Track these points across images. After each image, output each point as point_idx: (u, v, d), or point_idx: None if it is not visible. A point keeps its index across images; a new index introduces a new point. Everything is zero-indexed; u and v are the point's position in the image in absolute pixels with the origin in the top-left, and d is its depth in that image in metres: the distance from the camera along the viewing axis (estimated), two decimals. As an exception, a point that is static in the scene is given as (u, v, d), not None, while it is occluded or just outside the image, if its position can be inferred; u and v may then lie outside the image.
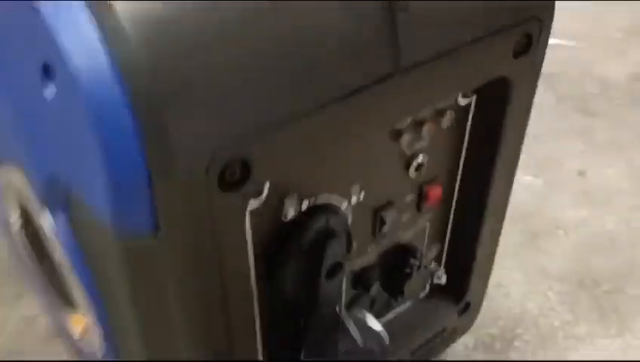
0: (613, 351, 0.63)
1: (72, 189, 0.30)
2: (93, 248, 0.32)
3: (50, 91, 0.26)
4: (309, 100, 0.28)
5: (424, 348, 0.52)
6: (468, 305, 0.52)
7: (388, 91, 0.31)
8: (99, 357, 0.40)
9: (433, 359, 0.58)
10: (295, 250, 0.34)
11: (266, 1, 0.26)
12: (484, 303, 0.67)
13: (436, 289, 0.50)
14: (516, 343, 0.64)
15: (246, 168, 0.28)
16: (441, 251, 0.48)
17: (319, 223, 0.35)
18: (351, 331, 0.39)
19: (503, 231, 0.75)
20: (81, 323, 0.41)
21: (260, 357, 0.39)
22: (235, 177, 0.28)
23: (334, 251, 0.35)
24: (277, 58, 0.26)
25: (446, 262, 0.49)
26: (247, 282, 0.35)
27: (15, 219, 0.40)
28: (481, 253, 0.48)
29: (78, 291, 0.37)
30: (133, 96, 0.25)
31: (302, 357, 0.38)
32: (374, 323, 0.40)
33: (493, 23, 0.34)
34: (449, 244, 0.48)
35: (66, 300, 0.41)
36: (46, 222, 0.34)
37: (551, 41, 1.13)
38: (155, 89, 0.25)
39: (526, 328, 0.65)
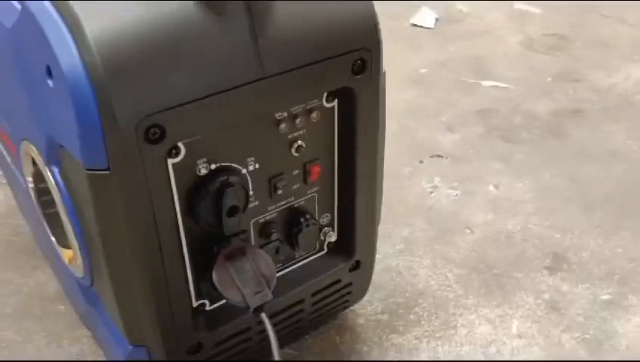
0: (492, 318, 0.80)
1: (62, 144, 0.49)
2: (74, 187, 0.52)
3: (51, 82, 0.47)
4: (199, 90, 0.47)
5: (327, 295, 0.69)
6: (358, 263, 0.69)
7: (260, 90, 0.51)
8: (79, 275, 0.59)
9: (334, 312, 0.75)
10: (206, 194, 0.53)
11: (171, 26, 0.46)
12: (396, 279, 0.85)
13: (332, 250, 0.68)
14: (416, 309, 0.81)
15: (162, 131, 0.47)
16: (333, 218, 0.67)
17: (222, 177, 0.54)
18: (249, 259, 0.57)
19: (419, 228, 0.94)
20: (70, 255, 0.60)
21: (189, 276, 0.57)
22: (156, 136, 0.47)
23: (232, 197, 0.54)
24: (175, 60, 0.46)
25: (337, 227, 0.67)
26: (174, 216, 0.53)
27: (30, 181, 0.60)
28: (360, 220, 0.66)
29: (69, 228, 0.56)
30: (95, 86, 0.44)
31: (213, 277, 0.56)
32: (267, 258, 0.59)
33: (333, 49, 0.53)
34: (337, 213, 0.66)
35: (62, 240, 0.60)
36: (49, 176, 0.54)
37: (488, 83, 1.35)
38: (105, 82, 0.45)
39: (425, 299, 0.83)
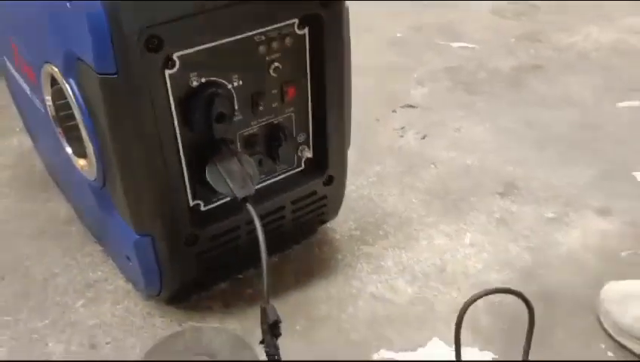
0: (449, 232, 0.91)
1: (78, 57, 0.60)
2: (89, 94, 0.63)
3: (69, 4, 0.58)
4: (189, 8, 0.59)
5: (305, 205, 0.81)
6: (331, 178, 0.81)
7: (242, 9, 0.62)
8: (92, 178, 0.70)
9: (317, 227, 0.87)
10: (197, 102, 0.65)
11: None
12: (368, 204, 0.97)
13: (308, 165, 0.80)
14: (384, 226, 0.93)
15: (160, 40, 0.58)
16: (308, 138, 0.78)
17: (211, 88, 0.65)
18: (235, 161, 0.68)
19: (390, 165, 1.05)
20: (83, 163, 0.71)
21: (186, 178, 0.69)
22: (155, 44, 0.58)
23: (220, 104, 0.66)
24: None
25: (313, 146, 0.79)
26: (172, 122, 0.65)
27: (48, 99, 0.71)
28: (331, 138, 0.77)
29: (84, 135, 0.67)
30: (105, 3, 0.56)
31: (207, 173, 0.67)
32: (251, 161, 0.70)
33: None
34: (312, 133, 0.78)
35: (77, 150, 0.71)
36: (67, 88, 0.65)
37: (457, 44, 1.47)
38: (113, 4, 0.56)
39: (392, 218, 0.94)
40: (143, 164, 0.64)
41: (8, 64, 0.86)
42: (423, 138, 1.13)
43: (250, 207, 0.67)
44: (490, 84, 1.29)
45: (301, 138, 0.78)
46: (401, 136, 1.13)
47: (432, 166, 1.06)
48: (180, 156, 0.67)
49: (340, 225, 0.93)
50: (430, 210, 0.96)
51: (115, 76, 0.58)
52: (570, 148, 1.09)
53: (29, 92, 0.80)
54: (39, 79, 0.72)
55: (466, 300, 0.60)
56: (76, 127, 0.68)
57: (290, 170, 0.79)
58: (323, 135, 0.78)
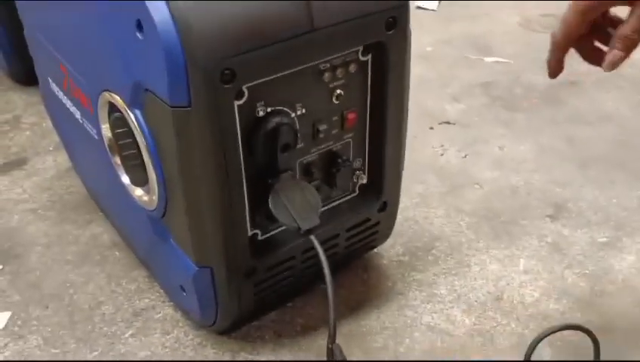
0: (501, 257, 0.89)
1: (147, 88, 0.59)
2: (157, 125, 0.61)
3: (140, 35, 0.56)
4: (263, 40, 0.57)
5: (359, 231, 0.79)
6: (385, 204, 0.79)
7: (310, 41, 0.60)
8: (151, 208, 0.68)
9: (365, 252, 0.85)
10: (263, 132, 0.63)
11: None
12: (414, 227, 0.95)
13: (362, 191, 0.78)
14: (433, 251, 0.91)
15: (233, 73, 0.57)
16: (364, 163, 0.76)
17: (276, 118, 0.63)
18: (298, 190, 0.67)
19: (433, 185, 1.03)
20: (141, 192, 0.69)
21: (247, 208, 0.67)
22: (228, 77, 0.57)
23: (285, 135, 0.64)
24: (245, 15, 0.55)
25: (368, 171, 0.77)
26: (238, 152, 0.63)
27: (105, 127, 0.69)
28: (388, 163, 0.75)
29: (149, 165, 0.65)
30: (182, 36, 0.54)
31: (270, 203, 0.66)
32: (313, 190, 0.68)
33: (370, 6, 0.63)
34: (368, 158, 0.76)
35: (135, 179, 0.69)
36: (132, 118, 0.63)
37: (489, 58, 1.45)
38: (191, 32, 0.54)
39: (441, 243, 0.92)
40: (210, 196, 0.63)
41: (53, 86, 0.84)
42: (465, 156, 1.11)
43: (314, 239, 0.66)
44: (528, 100, 1.27)
45: (357, 163, 0.76)
46: (442, 155, 1.12)
47: (477, 186, 1.04)
48: (243, 186, 0.65)
49: (387, 249, 0.91)
50: (479, 234, 0.94)
51: (188, 109, 0.56)
52: (613, 167, 1.07)
53: (78, 116, 0.78)
54: (95, 106, 0.70)
55: (526, 332, 0.58)
56: (135, 157, 0.66)
57: (345, 196, 0.77)
58: (379, 160, 0.76)
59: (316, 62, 0.64)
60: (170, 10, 0.54)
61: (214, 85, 0.56)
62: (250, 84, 0.60)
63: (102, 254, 0.90)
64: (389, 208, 0.80)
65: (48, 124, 1.07)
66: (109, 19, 0.61)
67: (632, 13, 0.62)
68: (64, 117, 0.85)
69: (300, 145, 0.68)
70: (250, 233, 0.70)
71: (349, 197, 0.78)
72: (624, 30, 0.62)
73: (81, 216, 0.96)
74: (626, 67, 1.39)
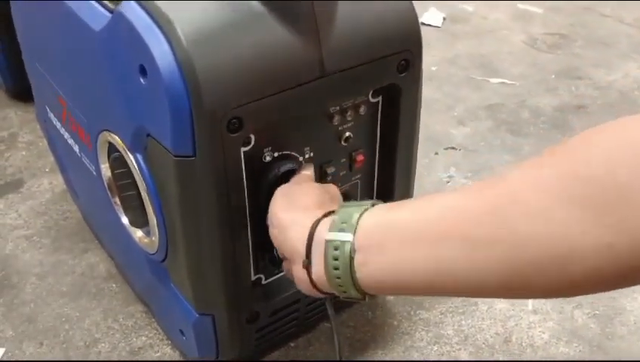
0: (510, 294, 0.87)
1: (149, 133, 0.56)
2: (158, 171, 0.58)
3: (143, 80, 0.53)
4: (272, 87, 0.54)
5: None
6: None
7: (321, 87, 0.58)
8: (152, 251, 0.66)
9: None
10: (270, 178, 0.60)
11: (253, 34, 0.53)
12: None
13: (370, 231, 0.76)
14: (439, 287, 0.89)
15: (241, 122, 0.54)
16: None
17: (284, 164, 0.61)
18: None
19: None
20: (141, 234, 0.67)
21: (251, 253, 0.64)
22: (235, 126, 0.54)
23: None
24: (255, 61, 0.53)
25: (375, 211, 0.74)
26: (244, 199, 0.60)
27: (105, 167, 0.66)
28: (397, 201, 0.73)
29: (149, 208, 0.62)
30: (188, 83, 0.51)
31: (276, 253, 0.63)
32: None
33: (382, 50, 0.60)
34: (376, 198, 0.73)
35: (134, 221, 0.66)
36: (133, 162, 0.60)
37: (495, 80, 1.42)
38: (198, 79, 0.51)
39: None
40: (213, 243, 0.60)
41: (51, 115, 0.81)
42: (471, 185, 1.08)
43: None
44: (535, 125, 1.25)
45: (365, 204, 0.74)
46: (448, 182, 1.09)
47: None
48: (247, 233, 0.63)
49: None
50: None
51: (193, 158, 0.54)
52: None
53: (77, 150, 0.75)
54: (94, 144, 0.67)
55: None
56: (135, 198, 0.63)
57: (352, 236, 0.75)
58: (388, 201, 0.73)
59: (326, 106, 0.62)
60: (175, 56, 0.51)
61: (221, 135, 0.54)
62: (257, 130, 0.58)
63: (98, 287, 0.87)
64: (396, 248, 0.78)
65: (44, 143, 1.04)
66: (112, 62, 0.58)
67: None
68: (62, 145, 0.83)
69: (307, 188, 0.66)
70: (253, 278, 0.67)
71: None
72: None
73: (77, 244, 0.94)
74: (633, 90, 1.38)
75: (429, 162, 1.14)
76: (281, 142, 0.61)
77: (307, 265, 0.50)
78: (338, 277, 0.47)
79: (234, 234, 0.61)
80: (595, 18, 1.66)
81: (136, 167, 0.60)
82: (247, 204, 0.61)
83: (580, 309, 0.85)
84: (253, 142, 0.58)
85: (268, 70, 0.54)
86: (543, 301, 0.86)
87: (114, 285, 0.87)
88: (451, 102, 1.32)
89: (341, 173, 0.68)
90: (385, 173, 0.71)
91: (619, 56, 1.48)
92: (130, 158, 0.60)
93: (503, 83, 1.39)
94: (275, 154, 0.61)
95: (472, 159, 1.15)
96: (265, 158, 0.60)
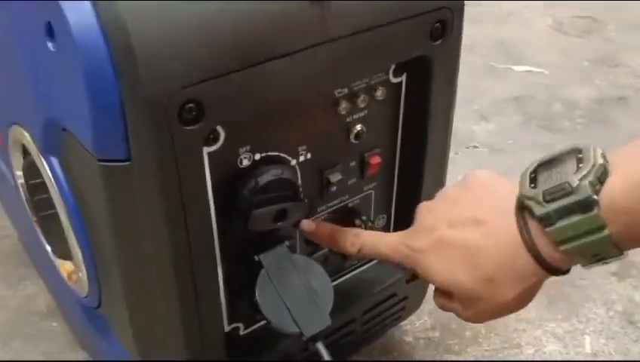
0: (560, 334, 0.69)
1: (64, 127, 0.37)
2: (80, 182, 0.40)
3: (51, 45, 0.35)
4: (248, 56, 0.36)
5: (380, 312, 0.58)
6: (415, 274, 0.58)
7: (322, 57, 0.39)
8: (82, 294, 0.47)
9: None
10: (248, 191, 0.42)
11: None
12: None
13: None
14: (471, 324, 0.70)
15: (201, 108, 0.35)
16: (389, 221, 0.55)
17: (269, 168, 0.42)
18: (299, 273, 0.46)
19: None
20: (69, 268, 0.48)
21: (222, 294, 0.46)
22: (192, 115, 0.35)
23: (281, 196, 0.43)
24: (220, 17, 0.34)
25: (393, 231, 0.56)
26: (208, 219, 0.42)
27: (20, 175, 0.48)
28: (423, 222, 0.54)
29: (70, 234, 0.44)
30: (114, 48, 0.33)
31: (257, 297, 0.45)
32: (320, 270, 0.47)
33: (408, 8, 0.42)
34: (395, 214, 0.55)
35: (60, 250, 0.48)
36: (46, 169, 0.42)
37: (519, 67, 1.22)
38: (129, 42, 0.33)
39: (481, 311, 0.71)
40: (162, 282, 0.41)
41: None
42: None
43: (322, 347, 0.44)
44: (570, 119, 1.06)
45: (380, 222, 0.55)
46: (472, 189, 0.91)
47: (518, 232, 0.83)
48: (216, 266, 0.44)
49: (412, 321, 0.70)
50: (529, 300, 0.73)
51: (127, 164, 0.35)
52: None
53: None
54: (6, 143, 0.48)
55: None
56: (56, 219, 0.45)
57: (363, 265, 0.56)
58: (410, 217, 0.55)
59: (329, 87, 0.43)
60: (96, 10, 0.33)
61: (169, 128, 0.35)
62: (227, 122, 0.39)
63: (36, 325, 0.68)
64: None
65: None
66: (16, 22, 0.39)
67: None
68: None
69: (303, 207, 0.47)
70: (227, 328, 0.49)
71: (368, 265, 0.57)
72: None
73: (13, 270, 0.74)
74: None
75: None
76: (264, 140, 0.42)
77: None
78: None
79: (195, 269, 0.42)
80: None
81: (50, 176, 0.41)
82: (214, 227, 0.42)
83: (652, 352, 0.67)
84: (222, 139, 0.40)
85: (239, 32, 0.36)
86: (603, 340, 0.68)
87: (55, 324, 0.68)
88: (470, 94, 1.13)
89: (349, 182, 0.50)
90: (407, 182, 0.53)
91: (659, 41, 1.30)
92: (44, 165, 0.41)
93: (529, 71, 1.20)
94: (256, 157, 0.42)
95: (499, 160, 0.97)
96: (241, 162, 0.42)
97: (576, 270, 0.75)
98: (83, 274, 0.45)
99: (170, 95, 0.34)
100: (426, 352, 0.67)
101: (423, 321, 0.70)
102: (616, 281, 0.75)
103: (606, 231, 0.33)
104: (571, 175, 0.35)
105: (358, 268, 0.56)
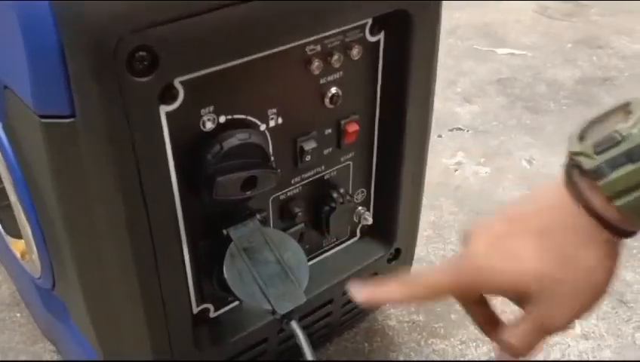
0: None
1: (6, 83, 0.34)
2: (25, 146, 0.36)
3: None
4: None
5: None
6: (398, 251, 0.55)
7: (290, 5, 0.36)
8: (36, 275, 0.43)
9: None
10: (212, 157, 0.38)
11: None
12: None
13: (367, 235, 0.54)
14: (457, 307, 0.67)
15: (154, 57, 0.32)
16: (369, 196, 0.52)
17: (235, 132, 0.39)
18: (272, 248, 0.42)
19: (448, 211, 0.79)
20: (22, 247, 0.44)
21: (189, 273, 0.42)
22: (145, 65, 0.32)
23: (249, 163, 0.39)
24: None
25: (374, 207, 0.53)
26: (169, 188, 0.38)
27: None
28: (405, 196, 0.51)
29: (18, 208, 0.40)
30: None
31: (224, 273, 0.41)
32: (295, 245, 0.44)
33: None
34: (375, 189, 0.52)
35: (10, 227, 0.44)
36: (-13, 134, 0.38)
37: (502, 50, 1.19)
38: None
39: (467, 293, 0.68)
40: (119, 259, 0.38)
41: None
42: (486, 173, 0.87)
43: (296, 326, 0.41)
44: (555, 100, 1.03)
45: (359, 197, 0.52)
46: (456, 171, 0.88)
47: (505, 213, 0.80)
48: (179, 240, 0.41)
49: (396, 306, 0.67)
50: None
51: (71, 120, 0.32)
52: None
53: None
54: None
55: None
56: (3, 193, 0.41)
57: (343, 243, 0.53)
58: (392, 191, 0.51)
59: (300, 43, 0.40)
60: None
61: (118, 79, 0.31)
62: (187, 77, 0.35)
63: (-4, 316, 0.64)
64: (403, 257, 0.56)
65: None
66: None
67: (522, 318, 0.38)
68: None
69: (274, 174, 0.44)
70: (196, 309, 0.45)
71: (347, 243, 0.53)
72: (506, 335, 0.39)
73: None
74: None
75: (431, 146, 0.92)
76: (229, 100, 0.39)
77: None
78: None
79: (156, 244, 0.38)
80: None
81: (-8, 141, 0.37)
82: (176, 195, 0.39)
83: (645, 332, 0.64)
84: (181, 97, 0.36)
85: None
86: (594, 321, 0.65)
87: (18, 314, 0.64)
88: (453, 76, 1.11)
89: (325, 151, 0.46)
90: (388, 152, 0.49)
91: (643, 23, 1.28)
92: (-16, 130, 0.37)
93: (512, 54, 1.18)
94: (221, 119, 0.39)
95: (484, 141, 0.94)
96: (204, 124, 0.38)
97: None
98: (34, 252, 0.41)
99: (118, 39, 0.30)
100: (410, 336, 0.64)
101: (408, 306, 0.67)
102: (606, 261, 0.73)
103: None
104: (621, 125, 0.32)
105: (337, 245, 0.53)
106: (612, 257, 0.35)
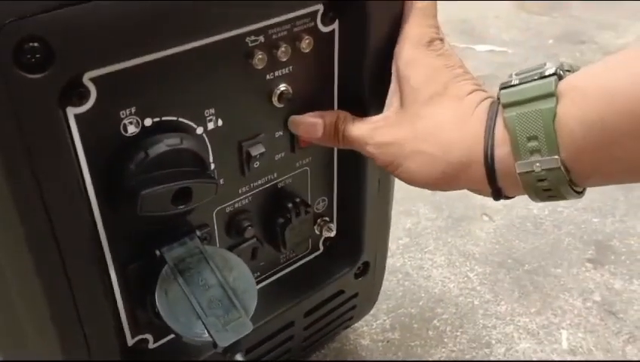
0: (534, 329, 0.61)
1: None
2: None
3: None
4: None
5: (325, 313, 0.49)
6: (366, 265, 0.49)
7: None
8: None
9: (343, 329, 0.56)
10: (136, 167, 0.33)
11: None
12: (404, 283, 0.66)
13: (330, 248, 0.48)
14: (435, 322, 0.62)
15: (47, 48, 0.26)
16: (331, 205, 0.47)
17: (164, 137, 0.33)
18: (213, 269, 0.37)
19: (425, 217, 0.75)
20: None
21: (119, 300, 0.37)
22: (37, 58, 0.26)
23: (180, 172, 0.34)
24: None
25: (337, 217, 0.47)
26: (86, 205, 0.32)
27: None
28: (371, 203, 0.46)
29: None
30: None
31: (157, 302, 0.36)
32: (241, 265, 0.38)
33: None
34: (337, 196, 0.46)
35: None
36: None
37: (482, 47, 1.15)
38: None
39: (445, 307, 0.63)
40: (25, 290, 0.32)
41: None
42: (465, 176, 0.82)
43: (241, 360, 0.36)
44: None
45: (320, 206, 0.46)
46: (434, 174, 0.83)
47: (485, 218, 0.75)
48: (104, 265, 0.35)
49: (368, 321, 0.61)
50: (498, 291, 0.65)
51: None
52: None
53: None
54: None
55: None
56: None
57: (302, 258, 0.48)
58: (357, 198, 0.46)
59: (237, 33, 0.34)
60: None
61: (3, 74, 0.26)
62: (99, 73, 0.30)
63: None
64: (372, 271, 0.51)
65: None
66: None
67: None
68: None
69: (212, 184, 0.38)
70: (131, 341, 0.39)
71: (308, 259, 0.48)
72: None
73: None
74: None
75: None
76: (155, 100, 0.33)
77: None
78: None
79: (71, 271, 0.32)
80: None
81: None
82: (96, 213, 0.33)
83: (634, 344, 0.59)
84: (93, 97, 0.30)
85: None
86: (581, 334, 0.60)
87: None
88: (431, 74, 1.06)
89: (277, 156, 0.41)
90: (351, 154, 0.44)
91: (626, 17, 1.24)
92: None
93: (491, 51, 1.13)
94: (146, 122, 0.33)
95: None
96: (125, 129, 0.32)
97: (548, 256, 0.68)
98: None
99: (0, 26, 0.25)
100: (385, 356, 0.58)
101: (381, 321, 0.61)
102: (593, 269, 0.68)
103: (552, 103, 0.32)
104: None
105: (296, 261, 0.47)
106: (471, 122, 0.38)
